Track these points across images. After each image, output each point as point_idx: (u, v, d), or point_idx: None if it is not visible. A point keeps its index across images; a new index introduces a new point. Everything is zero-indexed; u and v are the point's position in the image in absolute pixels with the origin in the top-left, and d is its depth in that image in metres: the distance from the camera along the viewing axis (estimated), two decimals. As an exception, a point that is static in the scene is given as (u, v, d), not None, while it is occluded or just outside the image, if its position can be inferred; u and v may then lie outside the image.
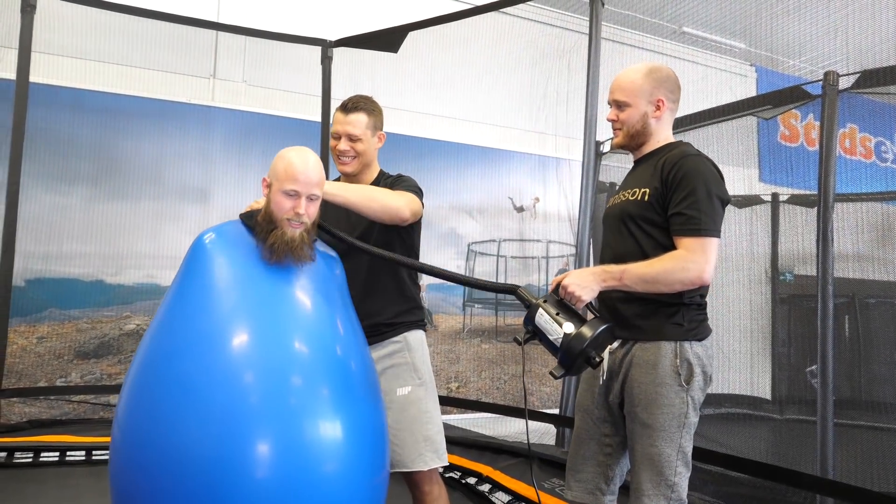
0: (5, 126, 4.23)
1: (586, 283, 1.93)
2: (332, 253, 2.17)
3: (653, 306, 1.99)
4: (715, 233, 1.94)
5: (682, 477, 1.97)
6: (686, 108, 4.12)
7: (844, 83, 3.13)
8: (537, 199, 6.33)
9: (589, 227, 4.40)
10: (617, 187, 2.25)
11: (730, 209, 5.67)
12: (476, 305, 6.03)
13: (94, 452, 3.61)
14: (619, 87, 2.11)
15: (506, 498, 3.18)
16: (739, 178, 5.18)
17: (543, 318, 1.91)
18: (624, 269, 1.94)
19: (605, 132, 4.40)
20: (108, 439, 3.55)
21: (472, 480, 3.48)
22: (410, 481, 2.29)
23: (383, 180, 2.41)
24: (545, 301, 1.94)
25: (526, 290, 2.01)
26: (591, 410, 2.13)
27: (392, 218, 2.20)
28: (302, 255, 1.92)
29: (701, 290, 2.01)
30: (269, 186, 1.96)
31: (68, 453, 3.57)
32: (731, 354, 5.34)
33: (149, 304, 4.83)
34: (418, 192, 2.34)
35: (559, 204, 6.33)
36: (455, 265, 5.87)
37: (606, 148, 4.52)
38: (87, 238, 4.69)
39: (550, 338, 1.90)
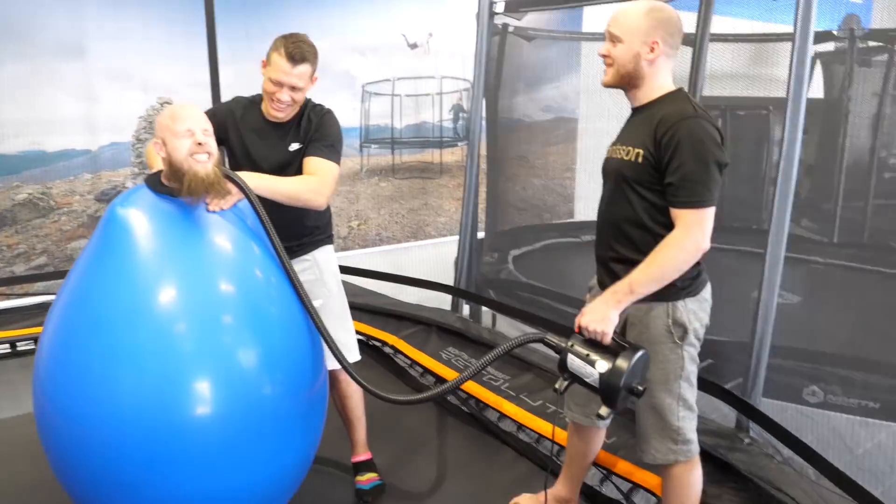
0: None
1: (602, 315, 1.91)
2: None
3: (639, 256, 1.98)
4: (711, 202, 1.91)
5: (686, 419, 2.07)
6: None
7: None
8: (430, 35, 6.26)
9: (484, 72, 4.52)
10: (615, 137, 2.18)
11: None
12: (373, 146, 6.16)
13: (17, 344, 3.79)
14: (616, 21, 2.00)
15: (409, 360, 3.62)
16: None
17: (575, 362, 1.89)
18: (630, 282, 1.93)
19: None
20: (31, 330, 3.71)
21: (377, 344, 3.91)
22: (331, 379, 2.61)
23: (311, 114, 2.47)
24: (572, 345, 1.91)
25: (553, 337, 1.97)
26: None
27: (315, 208, 2.36)
28: (221, 190, 2.00)
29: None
30: (163, 143, 2.00)
31: (-7, 348, 3.74)
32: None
33: (38, 171, 4.71)
34: (338, 149, 2.44)
35: (453, 39, 6.30)
36: (350, 108, 5.89)
37: (500, 8, 4.53)
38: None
39: (588, 381, 1.88)
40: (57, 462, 2.00)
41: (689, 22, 3.59)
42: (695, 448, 2.13)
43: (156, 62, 4.95)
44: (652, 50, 1.96)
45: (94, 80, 4.81)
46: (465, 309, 4.53)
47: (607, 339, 1.91)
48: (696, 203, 1.89)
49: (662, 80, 2.02)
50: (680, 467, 2.13)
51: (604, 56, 2.03)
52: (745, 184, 5.38)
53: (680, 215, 1.92)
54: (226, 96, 4.50)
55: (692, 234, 1.90)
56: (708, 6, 3.45)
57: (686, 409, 2.08)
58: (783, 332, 2.91)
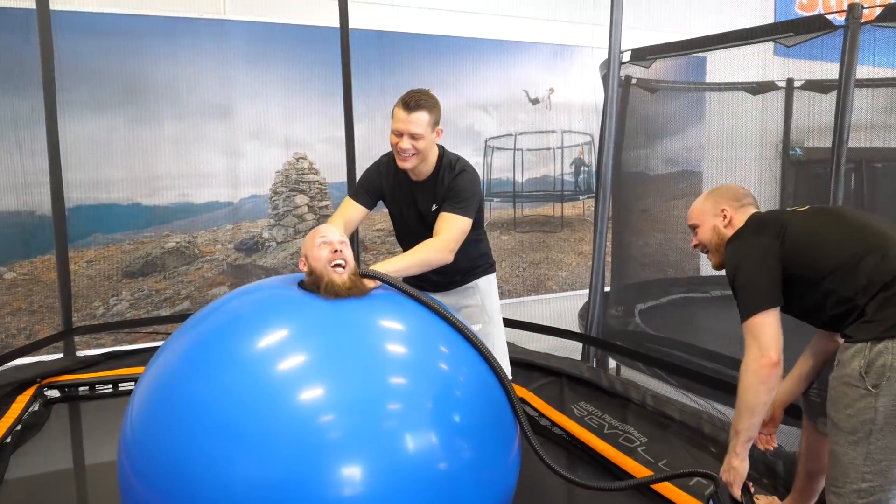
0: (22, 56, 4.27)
1: (726, 465, 2.03)
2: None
3: (837, 314, 1.94)
4: (760, 307, 1.92)
5: (874, 483, 1.85)
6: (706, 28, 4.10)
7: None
8: (552, 90, 6.34)
9: (614, 123, 4.45)
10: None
11: (743, 97, 5.70)
12: (495, 199, 6.23)
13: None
14: (689, 215, 2.30)
15: (535, 413, 3.53)
16: (752, 54, 5.16)
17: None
18: (733, 428, 2.01)
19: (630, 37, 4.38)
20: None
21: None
22: None
23: (445, 173, 2.55)
24: (717, 493, 2.01)
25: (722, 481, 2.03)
26: None
27: (444, 264, 2.43)
28: (359, 294, 2.03)
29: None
30: (305, 256, 2.12)
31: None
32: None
33: (184, 222, 5.06)
34: (471, 202, 2.50)
35: (573, 93, 6.36)
36: (473, 162, 5.97)
37: (626, 57, 4.52)
38: (119, 163, 4.83)
39: None
40: None
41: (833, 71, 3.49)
42: None
43: (294, 119, 5.27)
44: (724, 217, 2.19)
45: (238, 137, 5.16)
46: (593, 362, 4.42)
47: (735, 492, 1.99)
48: (743, 315, 1.96)
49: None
50: None
51: (695, 246, 2.29)
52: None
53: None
54: (360, 150, 4.70)
55: (750, 349, 1.94)
56: (852, 50, 3.30)
57: (876, 474, 1.84)
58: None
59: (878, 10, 3.13)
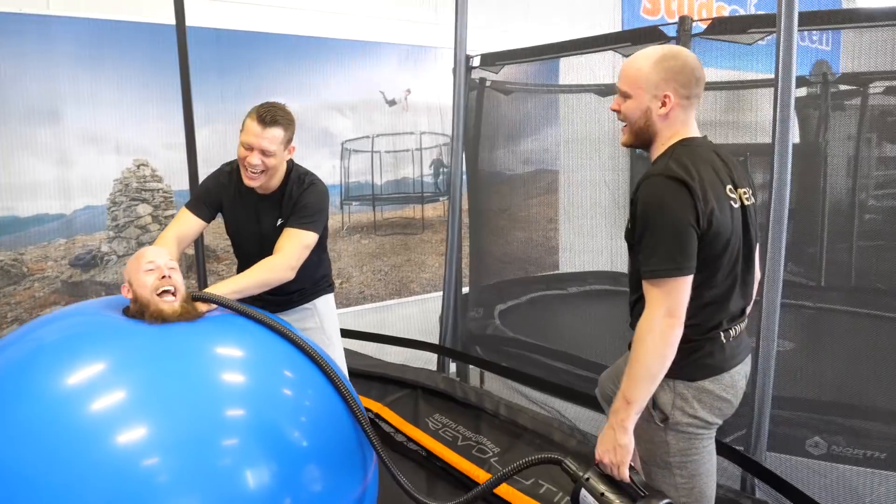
0: None
1: (611, 443, 1.71)
2: None
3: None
4: (673, 271, 1.66)
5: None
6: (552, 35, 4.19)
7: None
8: (408, 91, 6.29)
9: (463, 126, 4.48)
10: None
11: (593, 99, 5.89)
12: (353, 203, 6.10)
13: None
14: (624, 74, 1.81)
15: (393, 428, 3.46)
16: (600, 58, 5.35)
17: (587, 499, 1.74)
18: (622, 392, 1.71)
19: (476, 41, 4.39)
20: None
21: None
22: None
23: (294, 188, 2.43)
24: (588, 478, 1.75)
25: (571, 462, 1.80)
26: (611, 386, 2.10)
27: (284, 281, 2.30)
28: (192, 318, 1.91)
29: (694, 320, 1.75)
30: (129, 282, 1.96)
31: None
32: (594, 231, 5.77)
33: (9, 238, 4.59)
34: (317, 218, 2.39)
35: (430, 94, 6.33)
36: (330, 165, 5.85)
37: (476, 62, 4.54)
38: (-73, 175, 4.32)
39: None
40: None
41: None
42: None
43: (131, 124, 4.90)
44: (664, 104, 1.76)
45: (68, 143, 4.73)
46: (452, 366, 4.41)
47: (623, 473, 1.72)
48: (654, 273, 1.68)
49: (674, 132, 1.81)
50: None
51: (615, 111, 1.86)
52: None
53: (644, 289, 1.72)
54: (202, 157, 4.44)
55: (655, 310, 1.67)
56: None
57: (691, 498, 1.82)
58: (780, 380, 2.83)
59: (703, 25, 3.28)
